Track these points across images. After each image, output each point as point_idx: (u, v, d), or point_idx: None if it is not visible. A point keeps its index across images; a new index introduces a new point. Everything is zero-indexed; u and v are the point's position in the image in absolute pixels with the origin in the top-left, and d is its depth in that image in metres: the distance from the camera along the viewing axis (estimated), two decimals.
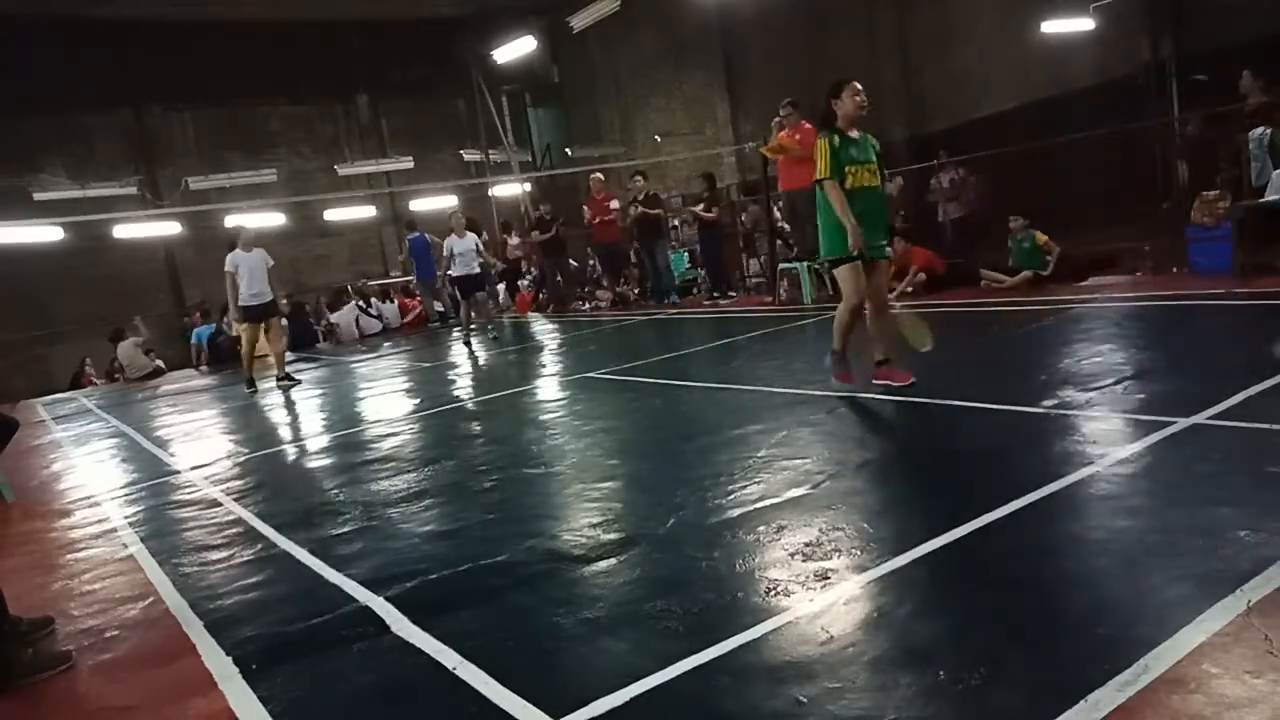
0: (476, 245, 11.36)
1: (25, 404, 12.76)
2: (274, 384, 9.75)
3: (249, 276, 9.33)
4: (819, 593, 2.56)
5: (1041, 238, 8.65)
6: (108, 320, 15.53)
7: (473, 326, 11.56)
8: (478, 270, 11.36)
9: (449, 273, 11.77)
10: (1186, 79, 11.06)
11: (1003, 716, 1.88)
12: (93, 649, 3.04)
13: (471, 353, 10.59)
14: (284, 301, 11.34)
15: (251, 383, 9.72)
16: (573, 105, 22.17)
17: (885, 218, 5.08)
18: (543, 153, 21.57)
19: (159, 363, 14.97)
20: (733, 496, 3.52)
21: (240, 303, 9.40)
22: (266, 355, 15.01)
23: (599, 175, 13.92)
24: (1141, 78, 11.48)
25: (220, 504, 4.78)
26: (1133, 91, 11.40)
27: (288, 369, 9.96)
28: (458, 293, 11.70)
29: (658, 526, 3.35)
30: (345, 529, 3.95)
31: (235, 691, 2.53)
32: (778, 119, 10.16)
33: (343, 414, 7.76)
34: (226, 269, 9.32)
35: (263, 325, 9.66)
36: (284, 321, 11.93)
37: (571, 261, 15.41)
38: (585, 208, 13.94)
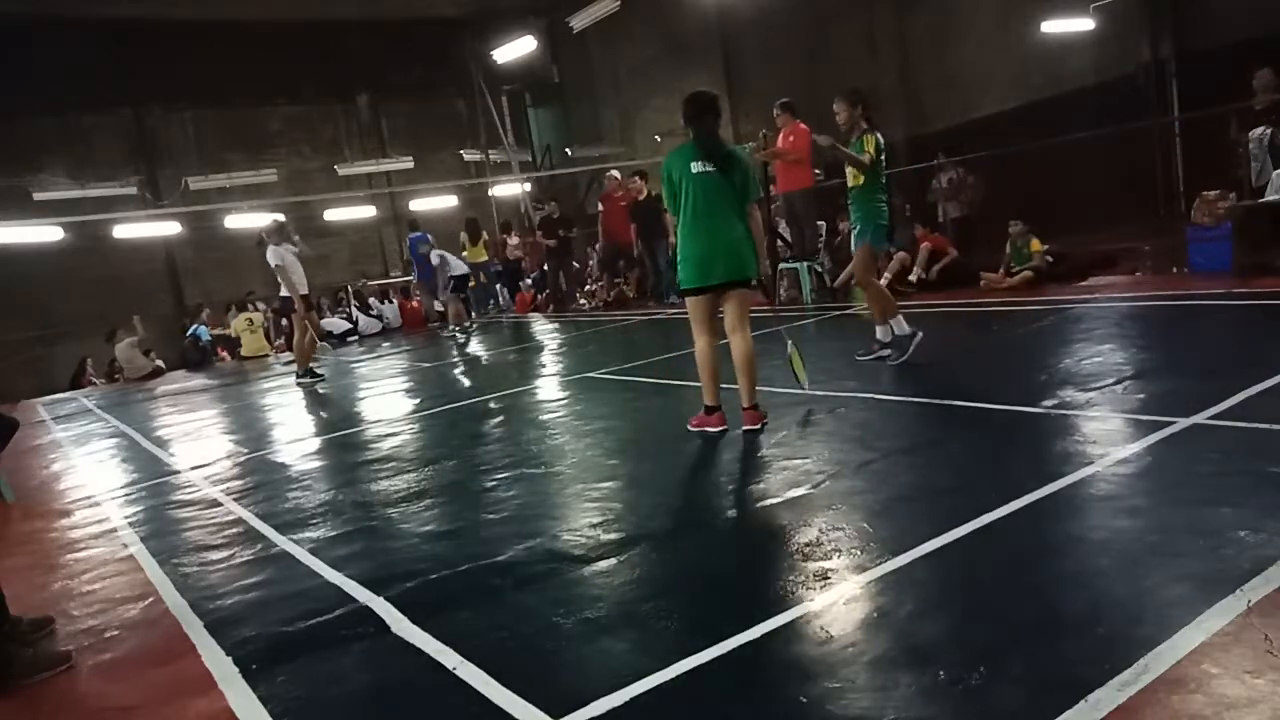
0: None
1: (25, 404, 12.76)
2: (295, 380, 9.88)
3: (296, 266, 9.56)
4: (819, 593, 2.55)
5: (1037, 245, 8.66)
6: (108, 320, 15.55)
7: (462, 324, 11.98)
8: (465, 270, 12.46)
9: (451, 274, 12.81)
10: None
11: (1003, 716, 1.88)
12: (93, 649, 3.04)
13: (464, 345, 10.71)
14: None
15: (310, 372, 9.84)
16: (573, 105, 22.16)
17: (735, 241, 4.47)
18: (543, 153, 21.57)
19: (159, 363, 14.98)
20: (733, 496, 3.53)
21: (303, 292, 9.63)
22: (267, 355, 15.11)
23: (615, 174, 13.92)
24: (1141, 78, 11.47)
25: (220, 504, 4.78)
26: (1132, 91, 11.39)
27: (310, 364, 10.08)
28: (452, 291, 12.41)
29: (658, 526, 3.35)
30: (345, 529, 3.95)
31: (235, 691, 2.53)
32: (764, 132, 10.19)
33: (343, 414, 7.76)
34: (275, 263, 9.47)
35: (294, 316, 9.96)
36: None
37: (574, 263, 15.44)
38: (600, 203, 13.96)
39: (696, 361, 4.61)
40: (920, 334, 5.64)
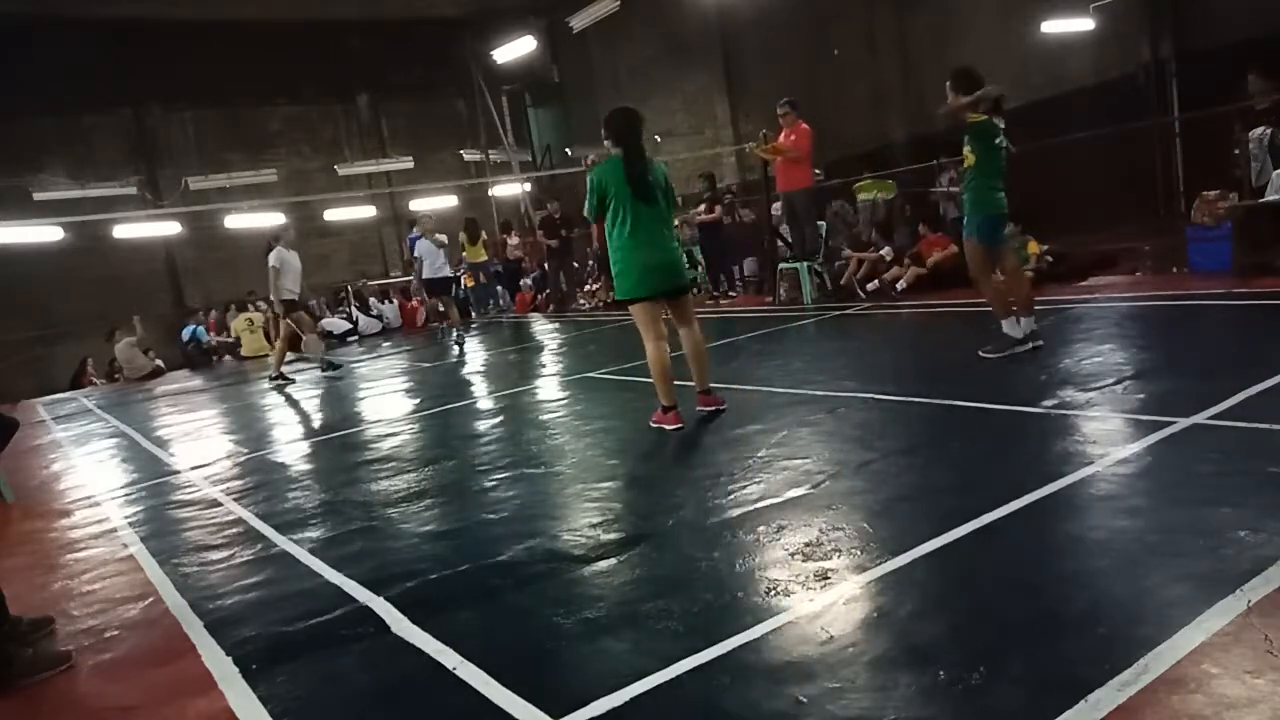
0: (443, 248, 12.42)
1: (25, 404, 12.76)
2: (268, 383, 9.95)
3: (291, 273, 9.75)
4: (819, 593, 2.55)
5: (1034, 247, 8.66)
6: (108, 320, 15.56)
7: (455, 326, 11.96)
8: (448, 273, 12.08)
9: (423, 276, 12.46)
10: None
11: (1003, 716, 1.88)
12: (93, 649, 3.04)
13: (462, 353, 10.65)
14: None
15: (282, 375, 9.98)
16: (573, 105, 22.14)
17: (672, 253, 4.89)
18: (543, 153, 21.56)
19: (159, 362, 14.98)
20: (733, 496, 3.52)
21: (284, 297, 9.77)
22: (267, 355, 15.10)
23: None
24: (1141, 78, 11.47)
25: (220, 504, 4.78)
26: (1132, 91, 11.39)
27: (284, 370, 10.11)
28: (425, 295, 12.26)
29: (658, 526, 3.35)
30: (345, 529, 3.95)
31: (235, 691, 2.53)
32: (765, 132, 10.19)
33: (343, 414, 7.76)
34: (272, 264, 9.66)
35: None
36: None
37: (574, 263, 15.44)
38: None
39: (650, 365, 4.84)
40: (1029, 347, 5.43)
